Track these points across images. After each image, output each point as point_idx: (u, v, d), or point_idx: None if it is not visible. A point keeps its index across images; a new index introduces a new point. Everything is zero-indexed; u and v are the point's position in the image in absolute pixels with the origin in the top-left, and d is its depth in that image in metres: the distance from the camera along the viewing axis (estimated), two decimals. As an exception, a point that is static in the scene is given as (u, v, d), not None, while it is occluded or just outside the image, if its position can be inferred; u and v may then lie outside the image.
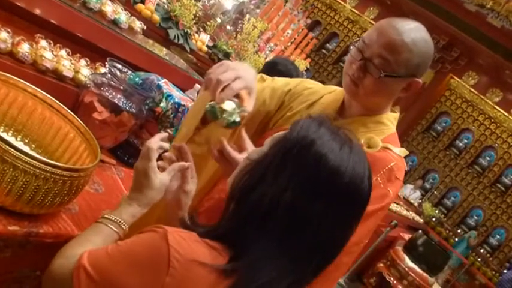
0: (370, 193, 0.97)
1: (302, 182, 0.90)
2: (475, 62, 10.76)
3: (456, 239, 10.23)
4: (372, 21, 11.69)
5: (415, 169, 11.51)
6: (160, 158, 1.17)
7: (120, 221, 1.06)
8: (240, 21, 5.48)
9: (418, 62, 1.24)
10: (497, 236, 10.58)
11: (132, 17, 2.74)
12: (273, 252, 0.88)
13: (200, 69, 4.13)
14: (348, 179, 0.91)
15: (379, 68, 1.23)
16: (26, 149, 1.28)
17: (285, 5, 7.13)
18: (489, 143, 10.90)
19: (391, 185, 1.24)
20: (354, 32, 12.18)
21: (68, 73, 1.91)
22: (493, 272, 9.69)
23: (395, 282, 5.57)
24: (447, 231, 10.32)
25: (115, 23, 2.51)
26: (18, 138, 1.37)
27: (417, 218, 8.95)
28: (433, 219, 10.27)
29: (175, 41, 3.99)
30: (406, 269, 5.58)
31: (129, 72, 1.78)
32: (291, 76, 2.21)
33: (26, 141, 1.38)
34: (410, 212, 8.60)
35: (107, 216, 1.07)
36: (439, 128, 11.50)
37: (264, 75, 1.53)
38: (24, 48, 1.79)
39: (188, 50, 4.16)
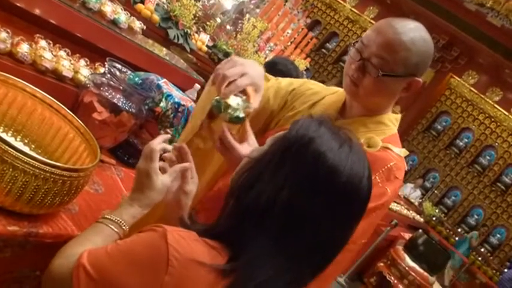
0: (370, 193, 0.97)
1: (300, 180, 0.90)
2: (475, 61, 10.75)
3: (456, 238, 10.23)
4: (371, 21, 11.69)
5: (415, 168, 11.50)
6: (160, 158, 1.17)
7: (120, 222, 1.05)
8: (239, 21, 5.47)
9: (416, 60, 1.24)
10: (498, 235, 10.57)
11: (132, 17, 2.74)
12: (271, 251, 0.88)
13: (200, 69, 4.14)
14: (346, 178, 0.90)
15: (378, 67, 1.23)
16: (26, 149, 1.28)
17: (284, 5, 7.13)
18: (489, 142, 10.90)
19: (390, 184, 1.24)
20: (354, 31, 12.17)
21: (68, 73, 1.91)
22: (494, 271, 9.68)
23: (395, 281, 5.57)
24: (447, 231, 10.31)
25: (114, 23, 2.51)
26: (18, 139, 1.37)
27: (417, 217, 8.95)
28: (434, 218, 10.26)
29: (175, 41, 3.99)
30: (407, 268, 5.57)
31: (129, 72, 1.78)
32: (291, 76, 2.21)
33: (26, 141, 1.38)
34: (411, 211, 8.59)
35: (107, 216, 1.07)
36: (439, 127, 11.50)
37: (268, 75, 1.54)
38: (24, 48, 1.79)
39: (188, 50, 4.16)
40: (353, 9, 12.19)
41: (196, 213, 1.32)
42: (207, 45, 4.62)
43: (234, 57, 1.26)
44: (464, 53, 10.64)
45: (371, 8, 12.00)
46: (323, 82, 3.25)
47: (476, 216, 10.85)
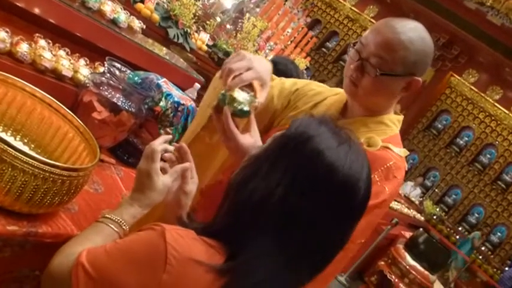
0: (370, 194, 0.96)
1: (296, 177, 0.89)
2: (475, 59, 10.75)
3: (457, 237, 10.23)
4: (371, 20, 11.69)
5: (415, 167, 11.51)
6: (161, 159, 1.17)
7: (120, 221, 1.05)
8: (239, 20, 5.47)
9: (415, 60, 1.24)
10: (498, 234, 10.58)
11: (132, 17, 2.73)
12: (268, 251, 0.88)
13: (200, 69, 4.13)
14: (343, 177, 0.90)
15: (376, 67, 1.23)
16: (25, 148, 1.28)
17: (284, 4, 7.12)
18: (490, 140, 10.90)
19: (388, 183, 1.24)
20: (354, 30, 12.17)
21: (67, 73, 1.90)
22: (495, 270, 9.69)
23: (396, 280, 5.57)
24: (448, 229, 10.32)
25: (114, 22, 2.50)
26: (17, 138, 1.36)
27: (418, 216, 8.95)
28: (434, 217, 10.27)
29: (175, 40, 3.99)
30: (407, 267, 5.57)
31: (128, 71, 1.77)
32: (291, 75, 2.21)
33: (25, 141, 1.37)
34: (411, 210, 8.59)
35: (107, 215, 1.07)
36: (439, 126, 11.50)
37: (273, 75, 1.54)
38: (23, 48, 1.79)
39: (188, 49, 4.16)
40: (353, 8, 12.19)
41: (197, 204, 1.32)
42: (207, 45, 4.62)
43: (243, 52, 1.27)
44: (464, 51, 10.64)
45: (371, 6, 12.00)
46: (323, 81, 3.25)
47: (476, 215, 10.86)
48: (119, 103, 1.63)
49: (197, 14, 4.41)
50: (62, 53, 1.97)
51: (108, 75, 1.66)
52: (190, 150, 1.34)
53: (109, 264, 0.89)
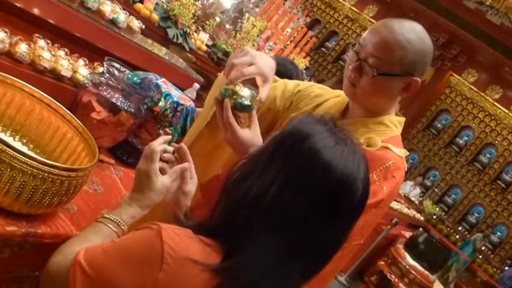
0: (367, 195, 0.96)
1: (291, 176, 0.89)
2: (474, 59, 10.76)
3: (457, 237, 10.24)
4: (371, 19, 11.69)
5: (415, 167, 11.51)
6: (160, 159, 1.17)
7: (119, 221, 1.06)
8: (239, 20, 5.47)
9: (413, 59, 1.24)
10: (498, 233, 10.58)
11: (131, 17, 2.73)
12: (263, 250, 0.88)
13: (199, 69, 4.13)
14: (340, 176, 0.89)
15: (373, 67, 1.24)
16: (24, 149, 1.28)
17: (284, 4, 7.12)
18: (489, 140, 10.90)
19: (386, 182, 1.23)
20: (354, 30, 12.17)
21: (66, 73, 1.90)
22: (495, 269, 9.70)
23: (396, 280, 5.57)
24: (448, 229, 10.32)
25: (113, 22, 2.50)
26: (16, 139, 1.37)
27: (418, 215, 8.95)
28: (434, 216, 10.28)
29: (174, 40, 3.99)
30: (407, 266, 5.57)
31: (128, 71, 1.77)
32: (290, 75, 2.21)
33: (24, 141, 1.37)
34: (411, 210, 8.60)
35: (106, 215, 1.07)
36: (439, 125, 11.51)
37: (276, 76, 1.55)
38: (22, 48, 1.78)
39: (187, 49, 4.16)
40: (352, 7, 12.20)
41: (198, 201, 1.32)
42: (206, 45, 4.61)
43: (247, 48, 1.29)
44: (464, 51, 10.65)
45: (370, 6, 12.00)
46: (322, 81, 3.24)
47: (476, 215, 10.86)
48: (118, 103, 1.63)
49: (196, 14, 4.40)
50: (61, 53, 1.97)
51: (107, 75, 1.66)
52: (193, 148, 1.35)
53: (106, 263, 0.89)
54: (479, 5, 9.42)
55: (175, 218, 1.03)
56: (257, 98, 1.23)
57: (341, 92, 1.50)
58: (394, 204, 7.01)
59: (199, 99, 2.80)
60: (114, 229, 1.04)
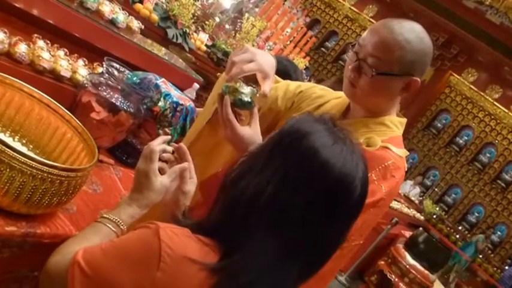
0: (366, 194, 0.95)
1: (288, 174, 0.89)
2: (474, 58, 10.76)
3: (457, 236, 10.24)
4: (371, 19, 11.69)
5: (415, 167, 11.52)
6: (159, 159, 1.17)
7: (118, 221, 1.06)
8: (238, 20, 5.47)
9: (412, 59, 1.24)
10: (499, 233, 10.58)
11: (130, 17, 2.73)
12: (260, 249, 0.88)
13: (199, 69, 4.13)
14: (338, 175, 0.89)
15: (372, 67, 1.24)
16: (24, 149, 1.28)
17: (284, 4, 7.12)
18: (489, 139, 10.90)
19: (385, 182, 1.23)
20: (353, 30, 12.17)
21: (66, 73, 1.90)
22: (495, 269, 9.69)
23: (396, 279, 5.56)
24: (448, 229, 10.32)
25: (113, 22, 2.50)
26: (16, 139, 1.36)
27: (418, 215, 8.95)
28: (434, 216, 10.28)
29: (174, 40, 3.99)
30: (407, 266, 5.56)
31: (127, 71, 1.77)
32: (289, 74, 2.21)
33: (24, 141, 1.37)
34: (411, 210, 8.59)
35: (105, 215, 1.07)
36: (439, 125, 11.51)
37: (278, 77, 1.58)
38: (22, 48, 1.78)
39: (187, 50, 4.16)
40: (352, 7, 12.19)
41: (198, 200, 1.32)
42: (206, 45, 4.61)
43: (247, 46, 1.31)
44: (463, 50, 10.65)
45: (370, 6, 12.00)
46: (322, 81, 3.24)
47: (476, 214, 10.86)
48: (118, 103, 1.63)
49: (196, 14, 4.41)
50: (60, 53, 1.96)
51: (107, 75, 1.66)
52: (194, 146, 1.36)
53: (104, 262, 0.89)
54: (478, 4, 9.42)
55: (174, 217, 1.03)
56: (257, 95, 1.24)
57: (342, 93, 1.51)
58: (394, 204, 7.01)
59: (198, 100, 2.80)
60: (113, 229, 1.05)
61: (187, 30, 4.18)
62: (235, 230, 0.89)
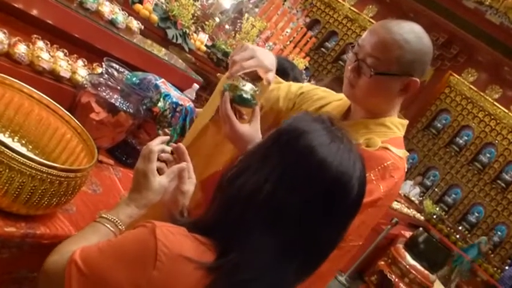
0: (363, 194, 0.95)
1: (286, 173, 0.89)
2: (474, 59, 10.76)
3: (457, 236, 10.23)
4: (371, 20, 11.69)
5: (415, 167, 11.52)
6: (158, 159, 1.17)
7: (116, 221, 1.06)
8: (238, 21, 5.47)
9: (411, 59, 1.24)
10: (499, 233, 10.58)
11: (130, 17, 2.73)
12: (257, 248, 0.87)
13: (199, 69, 4.14)
14: (335, 174, 0.89)
15: (371, 67, 1.24)
16: (23, 150, 1.29)
17: (283, 4, 7.12)
18: (489, 139, 10.90)
19: (384, 182, 1.23)
20: (353, 30, 12.17)
21: (65, 74, 1.90)
22: (495, 269, 9.69)
23: (396, 280, 5.56)
24: (448, 229, 10.32)
25: (112, 23, 2.50)
26: (15, 139, 1.36)
27: (418, 215, 8.95)
28: (434, 216, 10.27)
29: (174, 40, 3.99)
30: (407, 266, 5.56)
31: (127, 72, 1.77)
32: (288, 74, 2.22)
33: (23, 142, 1.37)
34: (411, 210, 8.59)
35: (104, 215, 1.08)
36: (439, 125, 11.51)
37: (279, 78, 1.59)
38: (21, 49, 1.78)
39: (187, 50, 4.16)
40: (352, 8, 12.19)
41: (199, 199, 1.33)
42: (205, 45, 4.62)
43: (246, 43, 1.32)
44: (463, 50, 10.65)
45: (370, 6, 12.00)
46: (322, 81, 3.24)
47: (476, 214, 10.87)
48: (117, 104, 1.63)
49: (196, 15, 4.41)
50: (60, 54, 1.96)
51: (106, 76, 1.65)
52: (196, 144, 1.36)
53: (100, 261, 0.89)
54: (478, 4, 9.42)
55: (171, 216, 1.03)
56: (257, 92, 1.25)
57: (343, 95, 1.51)
58: (394, 204, 7.00)
59: (198, 100, 2.80)
60: (111, 229, 1.05)
61: (187, 31, 4.18)
62: (232, 228, 0.89)
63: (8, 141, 1.24)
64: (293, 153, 0.90)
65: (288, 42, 6.76)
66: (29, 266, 1.22)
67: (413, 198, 10.00)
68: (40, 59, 1.82)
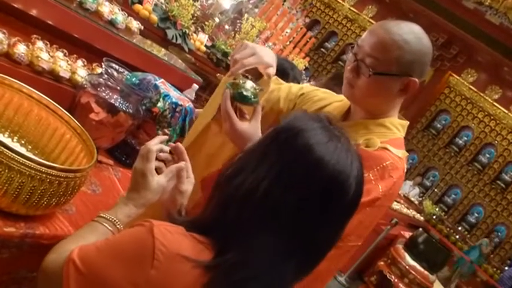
0: (360, 193, 0.95)
1: (283, 171, 0.89)
2: (473, 59, 10.76)
3: (457, 236, 10.23)
4: (370, 20, 11.69)
5: (415, 167, 11.51)
6: (157, 159, 1.18)
7: (115, 220, 1.06)
8: (238, 21, 5.48)
9: (410, 59, 1.24)
10: (498, 233, 10.58)
11: (130, 18, 2.73)
12: (254, 247, 0.87)
13: (198, 69, 4.14)
14: (331, 172, 0.88)
15: (370, 67, 1.25)
16: (23, 150, 1.28)
17: (283, 4, 7.12)
18: (489, 140, 10.91)
19: (383, 182, 1.23)
20: (353, 30, 12.17)
21: (65, 74, 1.90)
22: (494, 269, 9.69)
23: (396, 280, 5.57)
24: (448, 229, 10.32)
25: (112, 23, 2.50)
26: (15, 139, 1.37)
27: (418, 215, 8.95)
28: (434, 216, 10.27)
29: (174, 41, 3.99)
30: (407, 267, 5.57)
31: (126, 72, 1.77)
32: (287, 74, 2.22)
33: (23, 142, 1.37)
34: (411, 210, 8.59)
35: (102, 215, 1.08)
36: (438, 125, 11.51)
37: (280, 79, 1.60)
38: (21, 49, 1.78)
39: (186, 50, 4.16)
40: (352, 8, 12.19)
41: (199, 198, 1.33)
42: (205, 45, 4.62)
43: (247, 42, 1.34)
44: (463, 51, 10.65)
45: (370, 7, 12.00)
46: (320, 80, 3.23)
47: (476, 214, 10.86)
48: (117, 104, 1.63)
49: (196, 15, 4.41)
50: (59, 54, 1.96)
51: (106, 76, 1.65)
52: (197, 144, 1.36)
53: (98, 260, 0.89)
54: (478, 5, 9.43)
55: (169, 215, 1.03)
56: (258, 90, 1.26)
57: (344, 96, 1.52)
58: (394, 205, 7.00)
59: (198, 100, 2.80)
60: (109, 228, 1.05)
61: (187, 31, 4.18)
62: (230, 227, 0.89)
63: (7, 141, 1.24)
64: (290, 151, 0.90)
65: (288, 43, 6.76)
66: (28, 266, 1.22)
67: (412, 199, 10.00)
68: (40, 59, 1.82)
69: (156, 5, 3.95)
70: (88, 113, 1.59)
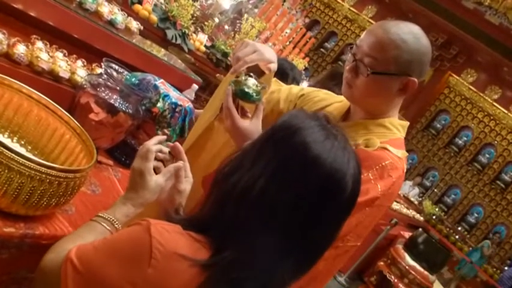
0: (357, 192, 0.95)
1: (280, 168, 0.89)
2: (473, 59, 10.76)
3: (457, 237, 10.24)
4: (370, 20, 11.69)
5: (415, 167, 11.52)
6: (156, 158, 1.18)
7: (113, 220, 1.07)
8: (238, 21, 5.48)
9: (409, 59, 1.24)
10: (498, 234, 10.58)
11: (129, 18, 2.73)
12: (250, 246, 0.87)
13: (198, 70, 4.14)
14: (328, 171, 0.88)
15: (368, 66, 1.25)
16: (22, 150, 1.28)
17: (283, 5, 7.12)
18: (488, 140, 10.91)
19: (382, 181, 1.23)
20: (353, 30, 12.17)
21: (64, 74, 1.90)
22: (494, 269, 9.69)
23: (396, 280, 5.57)
24: (447, 229, 10.32)
25: (112, 23, 2.50)
26: (15, 140, 1.36)
27: (417, 216, 8.95)
28: (434, 217, 10.27)
29: (173, 41, 3.99)
30: (407, 267, 5.57)
31: (126, 72, 1.77)
32: (287, 74, 2.22)
33: (22, 142, 1.37)
34: (411, 210, 8.59)
35: (100, 214, 1.08)
36: (438, 125, 11.51)
37: (280, 82, 1.62)
38: (20, 49, 1.78)
39: (186, 50, 4.16)
40: (351, 8, 12.20)
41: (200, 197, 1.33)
42: (205, 46, 4.62)
43: (247, 40, 1.34)
44: (462, 51, 10.66)
45: (369, 7, 12.00)
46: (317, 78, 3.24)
47: (476, 215, 10.87)
48: (116, 104, 1.63)
49: (195, 15, 4.41)
50: (59, 54, 1.96)
51: (106, 76, 1.65)
52: (199, 144, 1.37)
53: (95, 259, 0.90)
54: (478, 5, 9.43)
55: (166, 214, 1.03)
56: (260, 88, 1.26)
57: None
58: (394, 205, 7.00)
59: (197, 100, 2.80)
60: (107, 227, 1.05)
61: (187, 31, 4.18)
62: (227, 225, 0.89)
63: (7, 141, 1.24)
64: (287, 149, 0.90)
65: (288, 43, 6.77)
66: (28, 267, 1.22)
67: (412, 199, 10.00)
68: (39, 59, 1.82)
69: (155, 5, 3.95)
70: (88, 113, 1.59)
